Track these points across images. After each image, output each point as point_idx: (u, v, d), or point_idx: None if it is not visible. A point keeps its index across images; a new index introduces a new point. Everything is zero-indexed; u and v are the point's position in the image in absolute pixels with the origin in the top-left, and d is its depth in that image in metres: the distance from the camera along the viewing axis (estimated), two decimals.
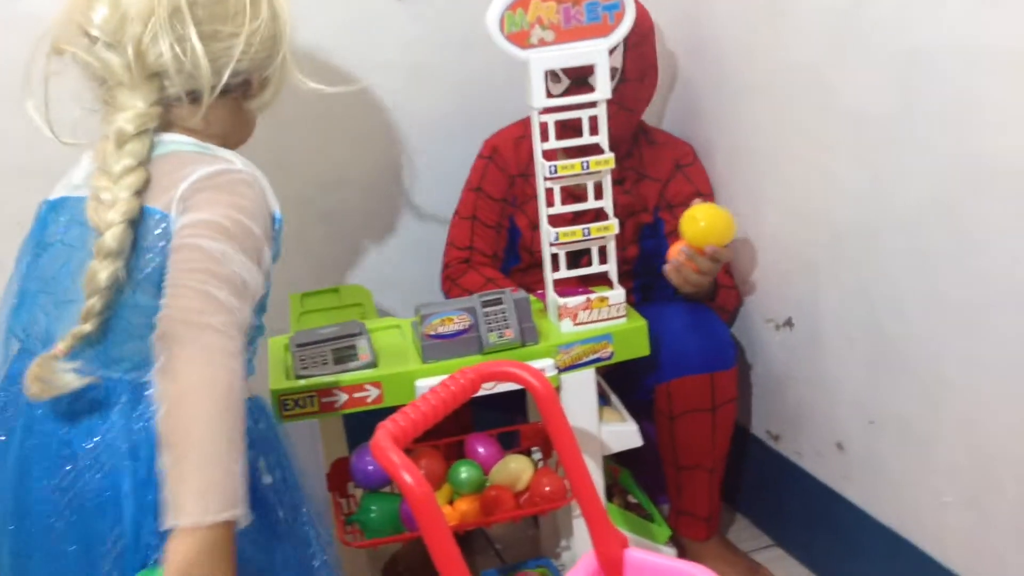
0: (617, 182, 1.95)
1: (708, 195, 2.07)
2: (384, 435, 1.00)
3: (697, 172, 2.09)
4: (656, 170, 2.07)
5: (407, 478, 0.98)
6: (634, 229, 2.05)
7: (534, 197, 1.81)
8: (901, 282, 1.69)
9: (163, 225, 1.29)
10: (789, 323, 1.98)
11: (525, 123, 1.91)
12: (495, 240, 2.07)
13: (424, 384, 1.66)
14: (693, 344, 1.94)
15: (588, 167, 1.70)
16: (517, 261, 2.10)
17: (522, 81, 1.70)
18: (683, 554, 2.01)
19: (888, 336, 1.74)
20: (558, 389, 1.75)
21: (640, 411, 1.92)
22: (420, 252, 2.23)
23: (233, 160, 1.36)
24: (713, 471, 2.00)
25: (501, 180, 2.05)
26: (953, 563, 1.69)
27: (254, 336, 1.36)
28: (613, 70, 1.90)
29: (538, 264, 1.88)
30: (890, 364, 1.75)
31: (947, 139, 1.54)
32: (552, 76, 1.87)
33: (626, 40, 1.81)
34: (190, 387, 1.16)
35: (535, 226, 1.97)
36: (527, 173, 2.00)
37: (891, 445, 1.78)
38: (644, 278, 2.08)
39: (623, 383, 1.98)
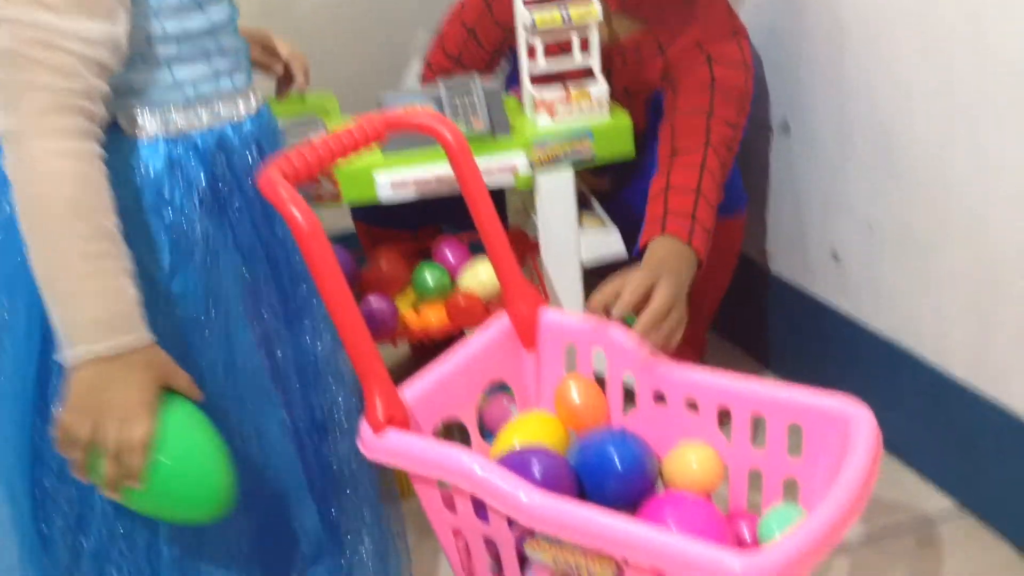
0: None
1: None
2: (274, 170, 0.97)
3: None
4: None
5: (294, 211, 0.95)
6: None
7: None
8: (906, 73, 1.55)
9: None
10: (785, 127, 1.84)
11: None
12: (486, 67, 1.79)
13: (384, 178, 1.53)
14: None
15: None
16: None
17: None
18: None
19: (891, 134, 1.60)
20: (532, 190, 1.63)
21: None
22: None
23: None
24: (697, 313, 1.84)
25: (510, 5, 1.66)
26: (955, 372, 1.58)
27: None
28: None
29: None
30: (892, 166, 1.62)
31: None
32: None
33: None
34: (17, 207, 0.95)
35: None
36: None
37: (891, 253, 1.66)
38: None
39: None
